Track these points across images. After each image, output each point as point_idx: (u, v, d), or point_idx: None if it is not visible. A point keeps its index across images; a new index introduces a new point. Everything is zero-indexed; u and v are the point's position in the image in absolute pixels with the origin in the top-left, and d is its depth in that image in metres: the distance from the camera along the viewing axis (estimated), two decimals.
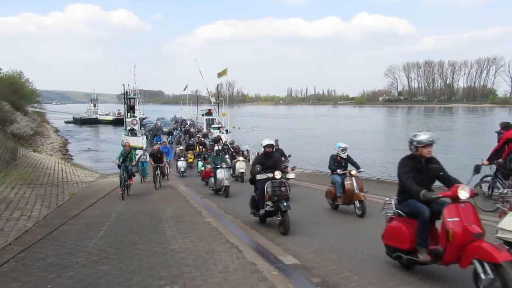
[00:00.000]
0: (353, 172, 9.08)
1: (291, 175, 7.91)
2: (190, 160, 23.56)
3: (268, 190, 7.45)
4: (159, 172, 15.99)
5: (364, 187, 9.02)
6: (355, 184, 8.83)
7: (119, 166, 13.30)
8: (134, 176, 14.43)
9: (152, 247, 6.57)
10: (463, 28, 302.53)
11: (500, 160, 8.25)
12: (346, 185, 8.92)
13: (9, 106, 32.51)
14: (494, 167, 8.40)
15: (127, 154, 13.40)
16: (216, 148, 16.50)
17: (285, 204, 7.17)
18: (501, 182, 8.19)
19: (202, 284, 4.75)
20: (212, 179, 13.53)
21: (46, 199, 11.81)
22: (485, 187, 8.49)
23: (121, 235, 7.53)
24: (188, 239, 7.01)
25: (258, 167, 7.64)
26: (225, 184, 12.55)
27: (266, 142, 8.17)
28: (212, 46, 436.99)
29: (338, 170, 9.14)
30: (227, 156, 18.32)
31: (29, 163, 18.38)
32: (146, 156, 19.05)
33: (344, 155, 9.33)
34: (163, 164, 16.47)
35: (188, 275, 5.06)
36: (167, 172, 18.39)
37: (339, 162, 9.32)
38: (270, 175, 7.56)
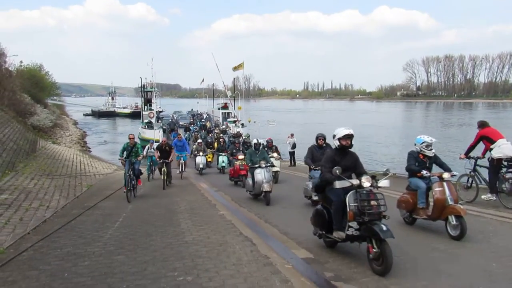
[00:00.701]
0: (446, 175, 6.61)
1: (384, 183, 5.38)
2: (209, 159, 21.21)
3: (351, 204, 5.10)
4: (165, 169, 13.60)
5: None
6: (447, 192, 6.42)
7: (124, 164, 11.61)
8: (142, 174, 12.48)
9: (167, 238, 6.63)
10: (486, 23, 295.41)
11: (480, 156, 9.27)
12: (434, 193, 6.56)
13: (29, 98, 33.18)
14: (473, 161, 9.27)
15: (131, 148, 11.65)
16: (255, 141, 12.45)
17: (384, 228, 4.70)
18: (478, 175, 9.15)
19: (215, 275, 4.78)
20: (249, 180, 10.95)
21: (64, 190, 12.03)
22: (464, 179, 9.29)
23: (137, 227, 7.63)
24: (202, 231, 7.06)
25: (337, 170, 5.21)
26: (265, 190, 10.07)
27: (344, 132, 5.56)
28: (228, 40, 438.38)
29: (424, 172, 6.77)
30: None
31: (48, 155, 18.75)
32: (153, 149, 16.13)
33: (430, 153, 6.99)
34: (169, 160, 14.04)
35: (202, 267, 5.10)
36: (182, 169, 16.50)
37: (421, 162, 7.03)
38: (355, 182, 5.20)
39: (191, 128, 41.05)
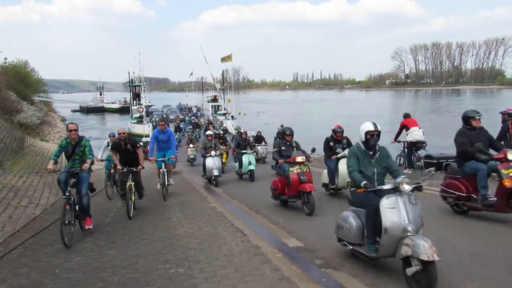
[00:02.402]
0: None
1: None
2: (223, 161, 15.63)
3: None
4: (131, 183, 8.04)
5: None
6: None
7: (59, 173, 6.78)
8: (94, 190, 7.98)
9: (158, 232, 6.65)
10: (473, 9, 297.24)
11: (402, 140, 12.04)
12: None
13: (15, 95, 32.68)
14: (402, 144, 12.00)
15: (72, 149, 6.86)
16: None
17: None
18: (403, 155, 12.01)
19: (206, 266, 4.81)
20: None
21: (54, 187, 11.93)
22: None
23: (128, 221, 7.62)
24: (193, 223, 7.08)
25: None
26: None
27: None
28: (217, 32, 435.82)
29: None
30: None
31: (36, 152, 18.55)
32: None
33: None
34: (138, 168, 8.22)
35: (193, 258, 5.13)
36: (166, 182, 9.91)
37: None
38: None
39: (182, 126, 36.02)
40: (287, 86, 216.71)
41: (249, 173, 13.33)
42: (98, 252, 5.67)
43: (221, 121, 39.09)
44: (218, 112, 45.36)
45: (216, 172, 12.00)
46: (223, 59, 46.83)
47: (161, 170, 9.93)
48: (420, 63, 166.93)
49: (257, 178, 13.16)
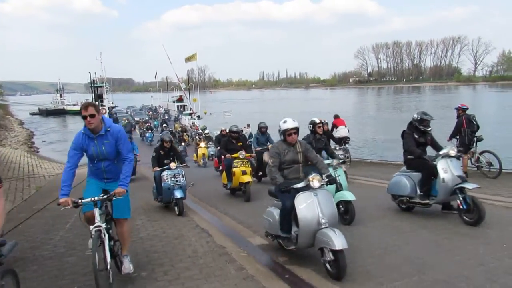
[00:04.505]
0: None
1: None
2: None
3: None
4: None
5: None
6: None
7: None
8: None
9: None
10: (430, 9, 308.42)
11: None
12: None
13: None
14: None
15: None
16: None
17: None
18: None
19: (170, 269, 4.75)
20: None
21: (10, 194, 11.43)
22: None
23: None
24: (158, 226, 6.97)
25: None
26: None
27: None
28: (180, 32, 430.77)
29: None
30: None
31: None
32: None
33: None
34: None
35: (157, 262, 5.05)
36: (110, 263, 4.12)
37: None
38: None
39: (148, 136, 30.33)
40: (254, 85, 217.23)
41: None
42: (57, 260, 5.46)
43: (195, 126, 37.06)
44: (184, 112, 44.82)
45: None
46: (187, 59, 46.25)
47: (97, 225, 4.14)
48: (382, 62, 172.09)
49: None
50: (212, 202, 9.19)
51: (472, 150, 9.77)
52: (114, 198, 4.26)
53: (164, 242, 5.93)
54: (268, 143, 11.75)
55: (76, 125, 57.70)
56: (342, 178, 6.86)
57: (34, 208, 9.61)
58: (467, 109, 9.98)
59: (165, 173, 8.03)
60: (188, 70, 64.53)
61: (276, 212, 5.03)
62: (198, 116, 40.82)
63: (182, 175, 8.11)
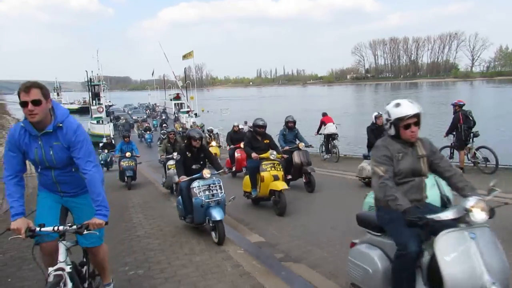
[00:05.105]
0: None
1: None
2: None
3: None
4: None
5: None
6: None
7: None
8: None
9: (118, 234, 6.49)
10: (427, 5, 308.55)
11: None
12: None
13: None
14: (322, 136, 15.05)
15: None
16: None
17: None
18: (324, 144, 15.13)
19: (166, 267, 4.76)
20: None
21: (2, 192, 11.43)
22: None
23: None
24: (155, 224, 6.98)
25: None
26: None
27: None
28: (178, 29, 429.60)
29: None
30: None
31: None
32: None
33: None
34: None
35: (154, 259, 5.06)
36: None
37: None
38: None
39: (148, 137, 28.96)
40: (251, 83, 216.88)
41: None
42: None
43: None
44: (182, 110, 44.76)
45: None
46: (184, 57, 46.11)
47: (60, 267, 2.98)
48: (379, 58, 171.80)
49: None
50: (231, 212, 7.48)
51: (468, 146, 9.82)
52: (86, 232, 2.85)
53: (161, 240, 5.94)
54: (297, 141, 9.69)
55: None
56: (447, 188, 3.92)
57: (31, 207, 9.59)
58: (464, 105, 10.03)
59: (195, 184, 5.88)
60: (185, 68, 64.23)
61: (378, 257, 3.00)
62: (196, 114, 40.74)
63: (220, 186, 5.97)
